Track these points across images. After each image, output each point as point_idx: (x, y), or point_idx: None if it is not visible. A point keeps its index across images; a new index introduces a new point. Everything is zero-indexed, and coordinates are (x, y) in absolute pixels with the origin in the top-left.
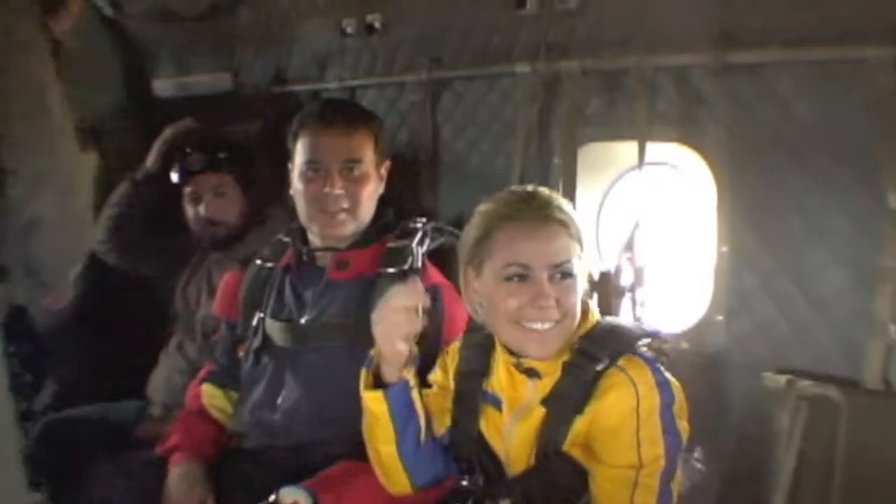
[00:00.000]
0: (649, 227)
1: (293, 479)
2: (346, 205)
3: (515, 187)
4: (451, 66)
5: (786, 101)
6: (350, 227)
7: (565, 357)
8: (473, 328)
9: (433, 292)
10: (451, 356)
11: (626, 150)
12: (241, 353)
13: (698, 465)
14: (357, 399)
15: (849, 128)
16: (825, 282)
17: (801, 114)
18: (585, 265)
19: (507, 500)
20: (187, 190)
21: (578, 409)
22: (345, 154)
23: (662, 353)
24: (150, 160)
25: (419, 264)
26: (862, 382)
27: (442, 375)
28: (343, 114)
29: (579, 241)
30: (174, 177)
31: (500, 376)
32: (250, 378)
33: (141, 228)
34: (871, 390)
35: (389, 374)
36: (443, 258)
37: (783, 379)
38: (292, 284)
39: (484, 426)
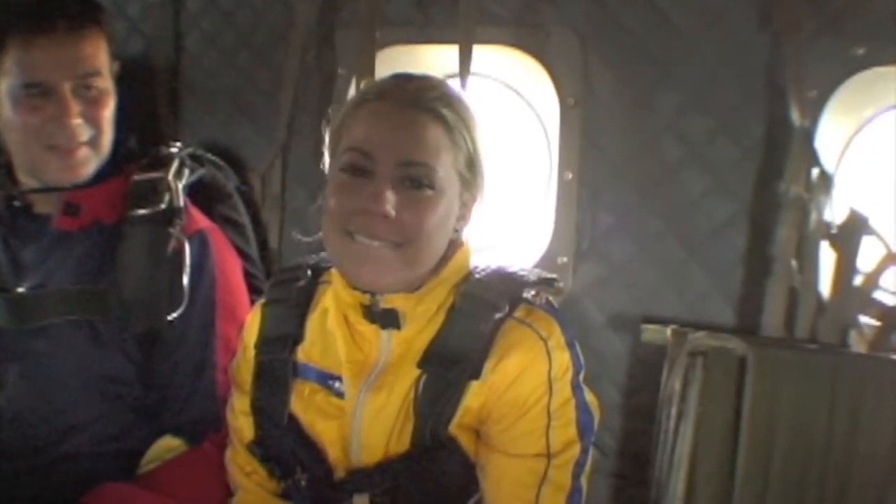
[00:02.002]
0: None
1: None
2: (86, 136)
3: None
4: None
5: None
6: (93, 165)
7: (442, 299)
8: (281, 276)
9: (200, 238)
10: (252, 316)
11: (439, 56)
12: None
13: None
14: (111, 394)
15: (739, 37)
16: (702, 216)
17: (679, 22)
18: (476, 190)
19: (366, 494)
20: None
21: (474, 372)
22: (78, 67)
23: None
24: None
25: (180, 203)
26: (758, 331)
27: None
28: (64, 7)
29: (467, 154)
30: None
31: (337, 336)
32: None
33: None
34: (779, 340)
35: None
36: (202, 195)
37: (668, 330)
38: (4, 241)
39: (301, 411)
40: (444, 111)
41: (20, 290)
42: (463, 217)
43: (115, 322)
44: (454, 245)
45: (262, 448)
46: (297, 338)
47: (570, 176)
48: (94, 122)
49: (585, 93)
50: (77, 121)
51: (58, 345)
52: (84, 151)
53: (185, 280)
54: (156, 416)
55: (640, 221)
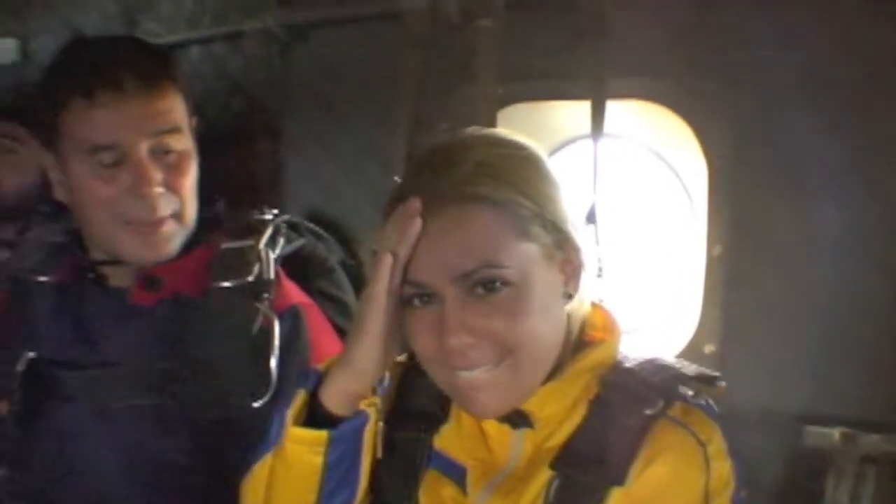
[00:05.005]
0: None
1: None
2: (171, 209)
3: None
4: (306, 3)
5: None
6: (178, 240)
7: (577, 393)
8: None
9: (293, 315)
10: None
11: (568, 114)
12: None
13: None
14: (163, 485)
15: None
16: (859, 294)
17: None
18: (572, 241)
19: None
20: None
21: (618, 476)
22: (154, 123)
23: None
24: None
25: (271, 275)
26: None
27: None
28: (135, 61)
29: (539, 218)
30: None
31: (463, 428)
32: (17, 455)
33: None
34: None
35: (340, 397)
36: (300, 268)
37: (836, 433)
38: (73, 311)
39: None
40: (488, 189)
41: (92, 367)
42: (570, 278)
43: (188, 407)
44: (579, 317)
45: None
46: (439, 418)
47: (720, 250)
48: (177, 191)
49: (734, 152)
50: (159, 190)
51: (122, 429)
52: (169, 226)
53: (273, 362)
54: None
55: (794, 303)
